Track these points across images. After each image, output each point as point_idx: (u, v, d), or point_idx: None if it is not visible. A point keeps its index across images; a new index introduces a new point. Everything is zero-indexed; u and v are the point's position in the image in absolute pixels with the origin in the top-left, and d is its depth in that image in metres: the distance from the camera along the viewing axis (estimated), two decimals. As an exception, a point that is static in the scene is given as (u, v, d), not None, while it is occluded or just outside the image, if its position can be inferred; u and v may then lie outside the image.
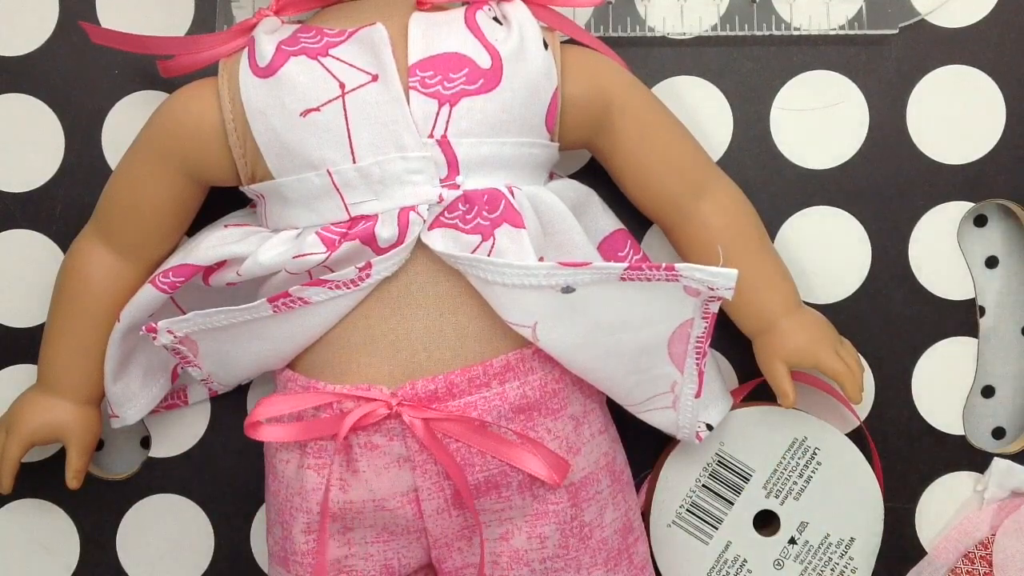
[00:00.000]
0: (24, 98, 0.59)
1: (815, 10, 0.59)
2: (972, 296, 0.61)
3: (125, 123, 0.59)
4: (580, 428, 0.53)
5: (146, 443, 0.63)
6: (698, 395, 0.52)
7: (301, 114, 0.49)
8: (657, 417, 0.54)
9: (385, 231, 0.49)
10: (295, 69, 0.50)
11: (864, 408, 0.61)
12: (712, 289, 0.47)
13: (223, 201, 0.57)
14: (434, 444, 0.49)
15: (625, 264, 0.48)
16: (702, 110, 0.60)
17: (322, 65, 0.50)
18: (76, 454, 0.56)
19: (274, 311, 0.51)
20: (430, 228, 0.50)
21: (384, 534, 0.52)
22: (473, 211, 0.50)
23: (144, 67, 0.55)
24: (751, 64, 0.60)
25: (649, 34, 0.59)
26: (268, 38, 0.51)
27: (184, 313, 0.54)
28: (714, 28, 0.59)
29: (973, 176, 0.60)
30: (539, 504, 0.51)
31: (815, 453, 0.58)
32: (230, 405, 0.61)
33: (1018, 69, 0.60)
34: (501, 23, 0.52)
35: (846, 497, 0.58)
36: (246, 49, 0.52)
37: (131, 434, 0.63)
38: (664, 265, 0.47)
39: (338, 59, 0.50)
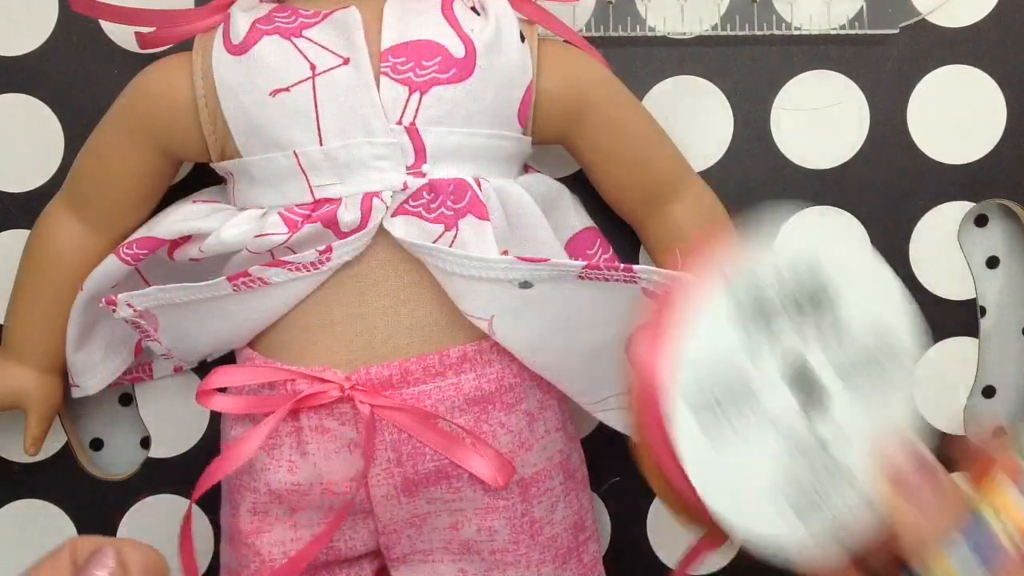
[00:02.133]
0: (24, 98, 0.59)
1: (815, 10, 0.59)
2: (973, 296, 0.61)
3: (125, 123, 0.59)
4: (534, 424, 0.53)
5: (146, 443, 0.63)
6: None
7: (271, 93, 0.49)
8: (613, 417, 0.55)
9: (348, 215, 0.49)
10: (267, 48, 0.50)
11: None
12: (653, 287, 0.47)
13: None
14: (370, 431, 0.50)
15: (583, 263, 0.48)
16: (702, 110, 0.60)
17: (294, 46, 0.50)
18: (35, 421, 0.56)
19: (234, 290, 0.51)
20: (393, 215, 0.50)
21: (330, 516, 0.52)
22: (438, 200, 0.50)
23: (144, 67, 0.55)
24: (751, 64, 0.60)
25: (649, 34, 0.59)
26: (244, 16, 0.51)
27: (150, 287, 0.54)
28: (714, 28, 0.59)
29: (973, 176, 0.60)
30: (489, 498, 0.52)
31: (897, 366, 0.44)
32: (230, 405, 0.61)
33: (1018, 69, 0.60)
34: (479, 13, 0.52)
35: (886, 435, 0.43)
36: (222, 26, 0.52)
37: (131, 434, 0.63)
38: (623, 266, 0.47)
39: (311, 40, 0.50)
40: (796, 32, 0.59)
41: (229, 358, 0.56)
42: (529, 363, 0.52)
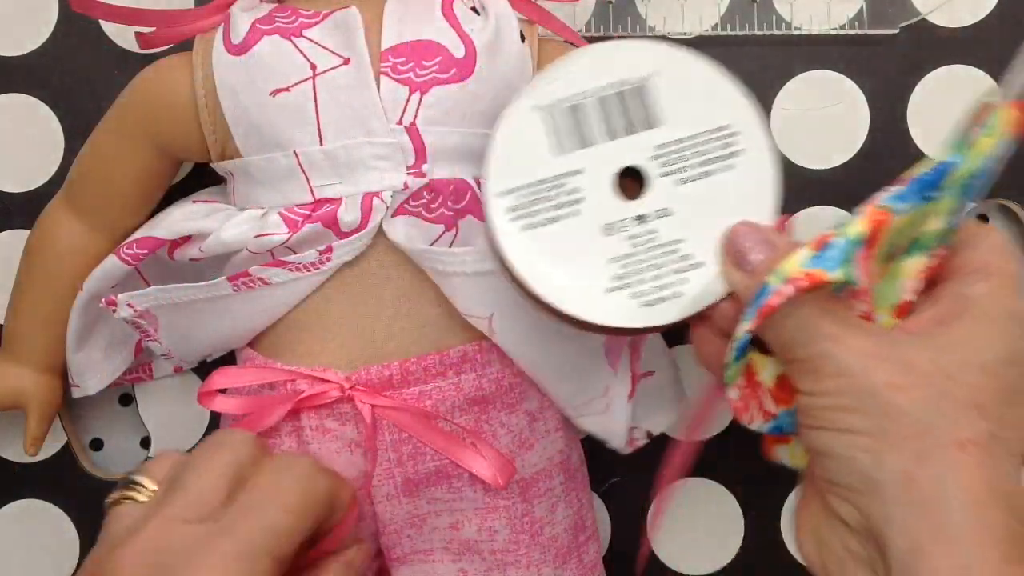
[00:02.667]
0: (24, 98, 0.59)
1: (815, 10, 0.59)
2: (972, 296, 0.61)
3: (125, 123, 0.59)
4: (535, 424, 0.53)
5: (146, 443, 0.63)
6: (630, 397, 0.52)
7: (271, 93, 0.49)
8: (589, 423, 0.55)
9: (348, 215, 0.49)
10: (267, 48, 0.50)
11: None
12: None
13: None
14: (372, 432, 0.50)
15: None
16: (702, 110, 0.60)
17: (294, 45, 0.50)
18: (35, 421, 0.57)
19: (234, 290, 0.51)
20: (394, 215, 0.50)
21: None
22: (438, 200, 0.50)
23: (144, 67, 0.55)
24: (751, 64, 0.60)
25: (649, 34, 0.59)
26: (244, 16, 0.51)
27: (150, 287, 0.54)
28: (714, 28, 0.59)
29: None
30: (490, 498, 0.52)
31: (734, 155, 0.46)
32: (230, 405, 0.61)
33: (1018, 69, 0.60)
34: (479, 13, 0.52)
35: (730, 221, 0.45)
36: (222, 26, 0.52)
37: (131, 434, 0.63)
38: None
39: (311, 40, 0.50)
40: (796, 32, 0.59)
41: (229, 358, 0.56)
42: (523, 363, 0.52)
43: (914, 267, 0.43)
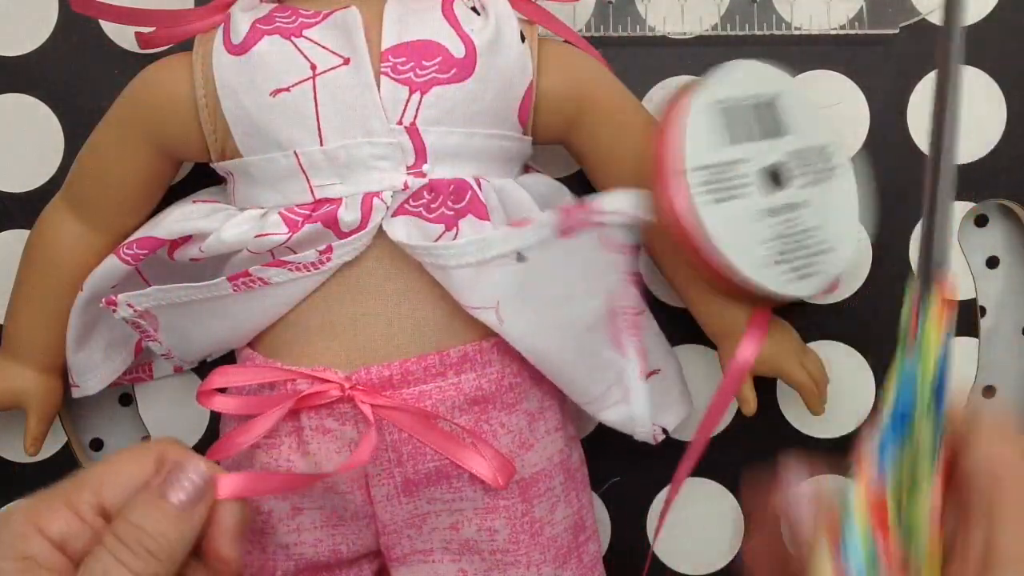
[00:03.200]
0: (24, 98, 0.59)
1: (815, 10, 0.59)
2: (973, 296, 0.61)
3: (125, 123, 0.59)
4: (535, 424, 0.53)
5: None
6: (642, 372, 0.53)
7: (271, 93, 0.49)
8: (612, 414, 0.54)
9: (348, 215, 0.49)
10: (267, 48, 0.50)
11: (865, 408, 0.61)
12: (622, 218, 0.48)
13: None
14: (378, 432, 0.50)
15: (558, 208, 0.49)
16: (702, 110, 0.60)
17: (295, 46, 0.50)
18: (35, 421, 0.57)
19: (234, 290, 0.51)
20: (394, 215, 0.50)
21: (333, 518, 0.52)
22: (438, 200, 0.50)
23: (144, 67, 0.55)
24: (751, 64, 0.60)
25: (649, 34, 0.59)
26: (244, 16, 0.51)
27: (150, 287, 0.54)
28: (714, 28, 0.59)
29: (973, 176, 0.60)
30: (489, 498, 0.52)
31: (834, 168, 0.55)
32: (230, 405, 0.61)
33: (1018, 69, 0.60)
34: (479, 13, 0.52)
35: (842, 221, 0.55)
36: (222, 26, 0.52)
37: (131, 434, 0.63)
38: (585, 203, 0.48)
39: (311, 40, 0.50)
40: (796, 32, 0.59)
41: (229, 358, 0.56)
42: (531, 352, 0.51)
43: (925, 509, 0.42)
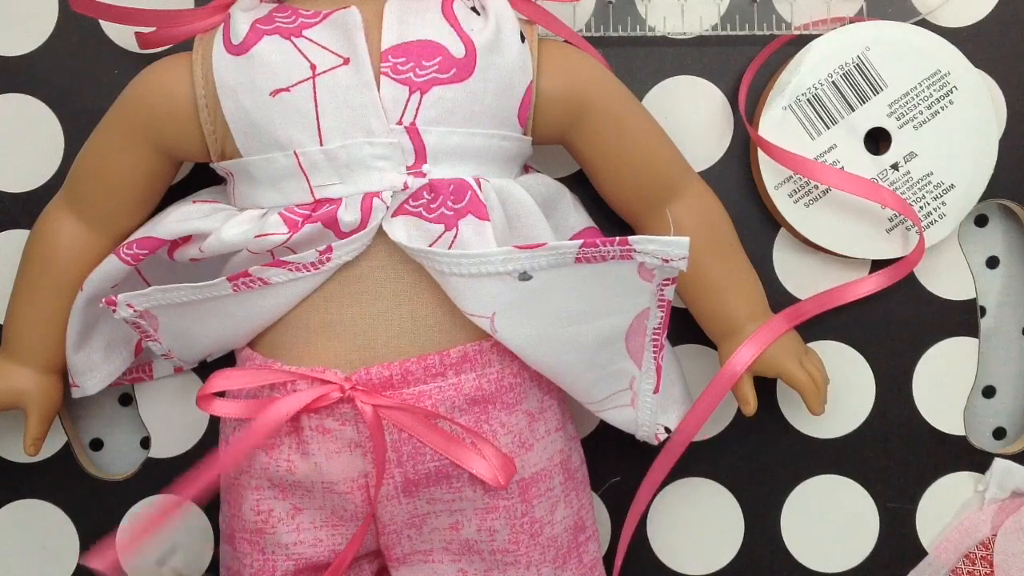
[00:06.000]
0: (24, 98, 0.59)
1: (816, 10, 0.59)
2: (973, 296, 0.61)
3: (125, 123, 0.59)
4: (535, 424, 0.53)
5: (146, 443, 0.63)
6: (656, 391, 0.52)
7: (271, 93, 0.49)
8: (616, 416, 0.55)
9: (348, 215, 0.49)
10: (267, 48, 0.50)
11: (865, 408, 0.61)
12: (666, 262, 0.47)
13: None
14: (377, 431, 0.50)
15: (580, 242, 0.47)
16: (702, 110, 0.60)
17: (294, 46, 0.50)
18: (35, 422, 0.56)
19: (234, 290, 0.51)
20: (393, 215, 0.50)
21: (333, 518, 0.52)
22: (438, 200, 0.50)
23: (144, 67, 0.55)
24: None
25: (649, 34, 0.59)
26: (244, 16, 0.51)
27: (150, 287, 0.54)
28: (714, 28, 0.59)
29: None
30: (489, 498, 0.52)
31: (952, 91, 0.57)
32: (230, 405, 0.61)
33: (1018, 69, 0.60)
34: (479, 13, 0.52)
35: (964, 145, 0.57)
36: (222, 26, 0.52)
37: (131, 434, 0.63)
38: (618, 240, 0.47)
39: (311, 40, 0.50)
40: (796, 32, 0.59)
41: (229, 359, 0.56)
42: (532, 361, 0.51)
43: None
